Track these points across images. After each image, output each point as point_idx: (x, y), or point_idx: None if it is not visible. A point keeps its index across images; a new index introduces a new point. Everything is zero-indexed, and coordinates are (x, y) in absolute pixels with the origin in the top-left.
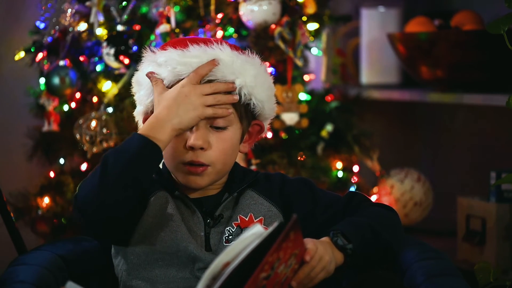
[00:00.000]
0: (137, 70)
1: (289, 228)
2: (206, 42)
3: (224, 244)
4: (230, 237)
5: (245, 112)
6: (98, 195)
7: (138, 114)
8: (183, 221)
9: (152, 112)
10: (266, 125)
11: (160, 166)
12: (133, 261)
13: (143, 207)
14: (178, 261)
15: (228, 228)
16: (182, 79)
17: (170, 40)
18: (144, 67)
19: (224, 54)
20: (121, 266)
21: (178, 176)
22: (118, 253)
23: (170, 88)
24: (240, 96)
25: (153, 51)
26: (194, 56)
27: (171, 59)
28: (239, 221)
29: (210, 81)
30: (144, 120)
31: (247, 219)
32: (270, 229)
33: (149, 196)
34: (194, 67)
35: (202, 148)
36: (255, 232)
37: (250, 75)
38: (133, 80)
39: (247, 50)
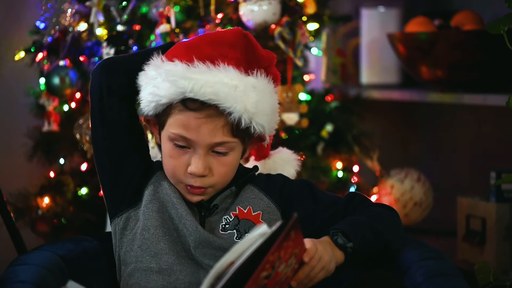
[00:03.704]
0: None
1: (290, 227)
2: (213, 60)
3: (220, 232)
4: (226, 225)
5: (247, 135)
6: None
7: (139, 114)
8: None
9: (150, 117)
10: (268, 136)
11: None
12: (144, 235)
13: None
14: (180, 238)
15: (225, 217)
16: (182, 98)
17: (178, 49)
18: (148, 71)
19: (228, 78)
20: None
21: (177, 188)
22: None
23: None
24: (240, 121)
25: (162, 60)
26: (198, 73)
27: (175, 71)
28: (237, 212)
29: (205, 104)
30: (144, 120)
31: (245, 211)
32: (273, 228)
33: (152, 174)
34: (196, 84)
35: (202, 175)
36: (260, 233)
37: (252, 101)
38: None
39: (256, 71)
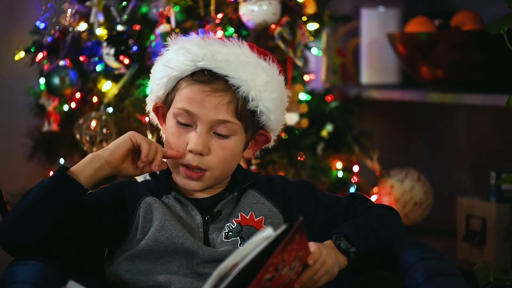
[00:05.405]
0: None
1: (294, 231)
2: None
3: (224, 239)
4: (230, 233)
5: (251, 121)
6: (11, 222)
7: (149, 100)
8: (177, 219)
9: (163, 102)
10: (273, 136)
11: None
12: (135, 262)
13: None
14: (178, 257)
15: (228, 224)
16: (193, 71)
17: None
18: (164, 55)
19: (241, 52)
20: (122, 268)
21: (175, 176)
22: (116, 259)
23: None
24: (248, 100)
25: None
26: (212, 44)
27: (191, 41)
28: (239, 218)
29: (217, 75)
30: (154, 108)
31: (247, 217)
32: (278, 231)
33: (136, 206)
34: (210, 51)
35: (201, 154)
36: (265, 236)
37: (261, 79)
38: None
39: (268, 58)
